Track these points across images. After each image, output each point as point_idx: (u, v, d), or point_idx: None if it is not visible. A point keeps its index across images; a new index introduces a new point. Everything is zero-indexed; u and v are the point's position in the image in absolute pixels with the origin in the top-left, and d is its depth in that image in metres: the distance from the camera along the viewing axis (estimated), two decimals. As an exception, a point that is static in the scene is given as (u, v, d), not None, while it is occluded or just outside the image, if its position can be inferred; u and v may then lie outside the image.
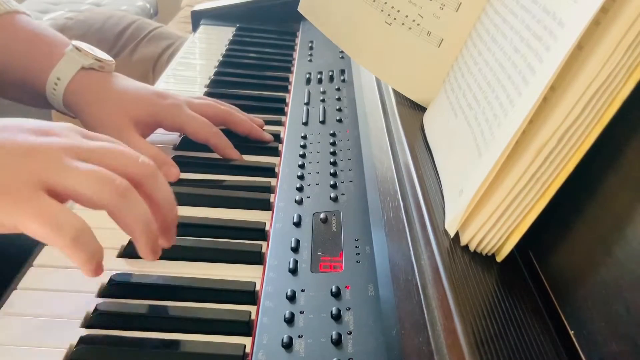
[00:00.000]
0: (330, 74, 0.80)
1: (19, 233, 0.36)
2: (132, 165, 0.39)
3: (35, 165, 0.36)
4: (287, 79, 0.84)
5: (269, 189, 0.57)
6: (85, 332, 0.39)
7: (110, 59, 0.61)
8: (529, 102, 0.33)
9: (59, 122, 0.41)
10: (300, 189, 0.55)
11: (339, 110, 0.70)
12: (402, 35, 0.58)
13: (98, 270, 0.37)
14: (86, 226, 0.36)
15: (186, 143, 0.64)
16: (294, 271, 0.45)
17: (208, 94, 0.77)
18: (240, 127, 0.64)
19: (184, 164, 0.60)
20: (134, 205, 0.37)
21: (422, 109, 0.57)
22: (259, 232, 0.51)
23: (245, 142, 0.64)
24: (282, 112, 0.74)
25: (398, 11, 0.58)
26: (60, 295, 0.42)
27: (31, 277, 0.44)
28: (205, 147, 0.63)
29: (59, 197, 0.36)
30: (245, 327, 0.41)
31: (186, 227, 0.50)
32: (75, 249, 0.35)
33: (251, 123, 0.65)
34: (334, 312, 0.40)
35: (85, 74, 0.59)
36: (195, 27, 1.06)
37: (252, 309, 0.42)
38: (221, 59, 0.89)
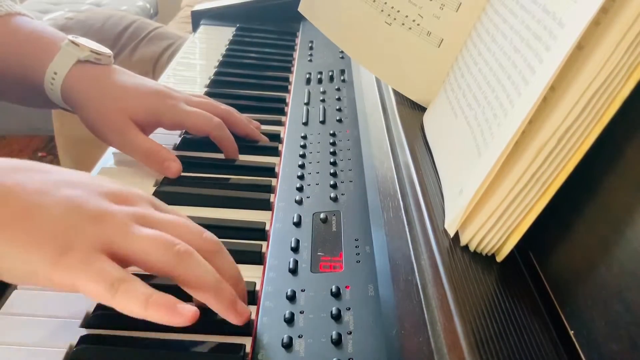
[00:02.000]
0: (330, 74, 0.80)
1: None
2: (196, 239, 0.39)
3: (102, 230, 0.36)
4: (287, 79, 0.84)
5: (269, 189, 0.57)
6: (85, 332, 0.39)
7: (108, 51, 0.60)
8: (529, 102, 0.33)
9: (134, 190, 0.41)
10: (300, 189, 0.55)
11: (339, 110, 0.70)
12: (402, 36, 0.58)
13: (169, 311, 0.35)
14: (147, 288, 0.36)
15: (186, 143, 0.64)
16: (294, 271, 0.45)
17: (208, 94, 0.77)
18: (239, 127, 0.64)
19: (184, 164, 0.60)
20: (196, 265, 0.37)
21: (422, 109, 0.57)
22: (259, 232, 0.51)
23: (245, 142, 0.64)
24: (282, 112, 0.74)
25: (398, 11, 0.58)
26: (61, 295, 0.42)
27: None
28: (205, 147, 0.63)
29: (122, 262, 0.36)
30: (245, 327, 0.40)
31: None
32: (143, 312, 0.35)
33: (249, 124, 0.65)
34: (334, 312, 0.40)
35: (82, 67, 0.58)
36: (195, 27, 1.06)
37: (252, 308, 0.42)
38: (221, 59, 0.89)
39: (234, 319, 0.38)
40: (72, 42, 0.58)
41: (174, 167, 0.57)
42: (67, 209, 0.36)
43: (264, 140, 0.65)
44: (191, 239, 0.38)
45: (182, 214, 0.42)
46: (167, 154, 0.57)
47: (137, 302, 0.35)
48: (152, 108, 0.58)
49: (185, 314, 0.35)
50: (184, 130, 0.66)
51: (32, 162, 0.39)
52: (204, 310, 0.40)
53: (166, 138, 0.65)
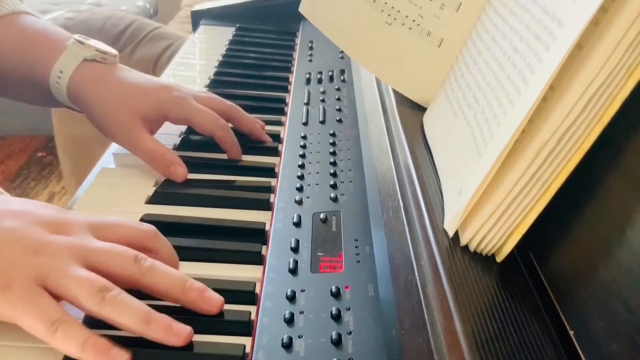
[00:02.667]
0: (330, 74, 0.80)
1: None
2: (130, 266, 0.39)
3: (39, 264, 0.37)
4: (287, 79, 0.84)
5: (269, 189, 0.57)
6: (85, 332, 0.39)
7: (114, 51, 0.60)
8: (528, 102, 0.33)
9: (74, 217, 0.42)
10: (300, 189, 0.55)
11: (339, 110, 0.70)
12: (402, 36, 0.58)
13: (104, 356, 0.36)
14: (85, 330, 0.37)
15: (186, 143, 0.64)
16: (294, 271, 0.45)
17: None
18: (244, 124, 0.64)
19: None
20: (120, 310, 0.37)
21: (422, 109, 0.57)
22: (259, 232, 0.51)
23: (245, 142, 0.64)
24: (282, 112, 0.74)
25: (398, 11, 0.58)
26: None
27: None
28: (205, 148, 0.63)
29: (54, 297, 0.38)
30: (245, 327, 0.40)
31: (186, 227, 0.51)
32: (80, 354, 0.36)
33: (254, 122, 0.65)
34: (333, 312, 0.40)
35: (88, 66, 0.58)
36: (195, 27, 1.06)
37: (252, 309, 0.42)
38: (221, 59, 0.89)
39: (171, 343, 0.38)
40: (79, 41, 0.58)
41: (180, 172, 0.56)
42: (6, 242, 0.38)
43: (268, 141, 0.65)
44: (125, 267, 0.39)
45: (123, 226, 0.43)
46: (174, 158, 0.57)
47: (75, 345, 0.36)
48: (159, 102, 0.58)
49: (117, 359, 0.36)
50: (184, 131, 0.66)
51: None
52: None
53: (166, 138, 0.65)
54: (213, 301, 0.40)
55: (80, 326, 0.37)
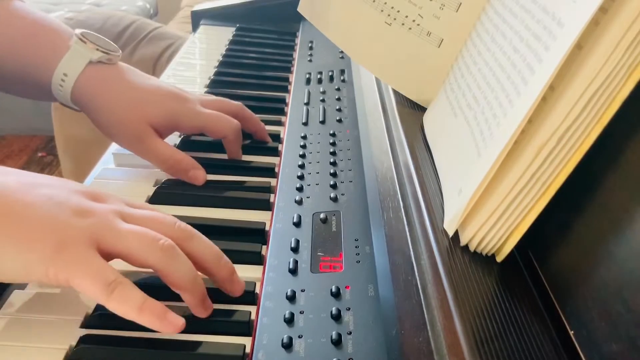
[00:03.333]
0: (330, 74, 0.80)
1: None
2: (172, 230, 0.40)
3: (89, 225, 0.37)
4: (287, 79, 0.84)
5: (269, 189, 0.57)
6: (85, 332, 0.39)
7: (116, 48, 0.58)
8: (528, 102, 0.33)
9: (104, 191, 0.42)
10: (300, 189, 0.55)
11: (339, 110, 0.70)
12: (402, 36, 0.58)
13: (160, 320, 0.37)
14: (141, 293, 0.37)
15: (186, 144, 0.64)
16: (294, 271, 0.45)
17: (208, 94, 0.77)
18: (251, 123, 0.64)
19: (184, 164, 0.60)
20: (179, 263, 0.39)
21: (422, 109, 0.57)
22: (259, 232, 0.51)
23: (245, 142, 0.64)
24: (282, 112, 0.74)
25: (398, 11, 0.58)
26: (60, 295, 0.42)
27: (31, 278, 0.44)
28: (205, 148, 0.63)
29: (108, 256, 0.38)
30: (245, 327, 0.41)
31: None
32: (137, 316, 0.37)
33: (260, 121, 0.65)
34: (334, 312, 0.40)
35: (94, 69, 0.55)
36: (195, 27, 1.06)
37: (252, 309, 0.42)
38: (221, 59, 0.89)
39: (200, 314, 0.40)
40: (81, 39, 0.55)
41: (201, 176, 0.56)
42: (51, 206, 0.37)
43: (269, 141, 0.66)
44: (167, 231, 0.40)
45: (153, 208, 0.44)
46: (192, 163, 0.56)
47: (132, 307, 0.36)
48: (170, 112, 0.57)
49: (174, 323, 0.37)
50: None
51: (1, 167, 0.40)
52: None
53: (167, 138, 0.65)
54: (238, 285, 0.42)
55: (137, 289, 0.37)
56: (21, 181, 0.38)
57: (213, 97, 0.63)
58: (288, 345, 0.38)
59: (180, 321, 0.37)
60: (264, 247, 0.49)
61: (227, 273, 0.42)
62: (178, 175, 0.56)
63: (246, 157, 0.62)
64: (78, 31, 0.56)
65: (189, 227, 0.42)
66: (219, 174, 0.59)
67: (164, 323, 0.37)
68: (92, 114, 0.56)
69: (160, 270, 0.38)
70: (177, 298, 0.40)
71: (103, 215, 0.38)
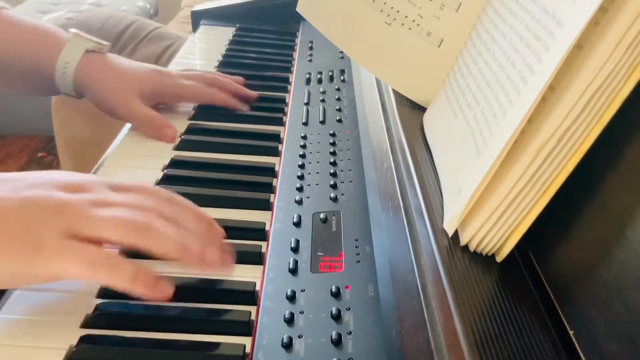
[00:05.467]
0: (330, 74, 0.80)
1: None
2: (153, 206, 0.42)
3: (64, 220, 0.39)
4: (287, 79, 0.83)
5: (269, 189, 0.57)
6: (85, 332, 0.39)
7: (107, 42, 0.68)
8: (528, 102, 0.33)
9: (88, 176, 0.44)
10: (300, 189, 0.55)
11: (339, 110, 0.70)
12: (402, 36, 0.58)
13: (153, 289, 0.39)
14: (133, 264, 0.39)
15: (186, 143, 0.64)
16: (294, 271, 0.45)
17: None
18: (226, 88, 0.72)
19: (184, 164, 0.60)
20: (157, 234, 0.40)
21: (422, 109, 0.57)
22: (259, 232, 0.51)
23: (245, 142, 0.64)
24: (282, 112, 0.74)
25: (398, 11, 0.58)
26: (60, 295, 0.42)
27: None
28: (205, 147, 0.63)
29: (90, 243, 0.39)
30: (245, 327, 0.41)
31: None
32: (130, 286, 0.39)
33: (234, 83, 0.74)
34: (334, 312, 0.40)
35: (90, 56, 0.65)
36: (195, 27, 1.06)
37: (252, 309, 0.42)
38: (221, 59, 0.89)
39: (208, 270, 0.42)
40: (77, 34, 0.66)
41: (170, 133, 0.65)
42: (28, 209, 0.39)
43: (253, 95, 0.74)
44: (148, 207, 0.41)
45: (141, 184, 0.45)
46: (165, 121, 0.65)
47: (125, 277, 0.38)
48: (157, 83, 0.68)
49: (166, 289, 0.39)
50: (183, 131, 0.66)
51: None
52: (204, 311, 0.41)
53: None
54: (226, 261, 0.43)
55: (127, 260, 0.39)
56: (3, 188, 0.39)
57: (190, 72, 0.73)
58: (288, 345, 0.38)
59: (172, 289, 0.39)
60: (264, 246, 0.48)
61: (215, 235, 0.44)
62: (152, 133, 0.65)
63: (246, 157, 0.63)
64: (72, 30, 0.67)
65: (172, 196, 0.44)
66: (219, 173, 0.59)
67: (156, 291, 0.39)
68: (91, 93, 0.66)
69: (140, 247, 0.40)
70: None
71: (77, 208, 0.39)
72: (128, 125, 0.68)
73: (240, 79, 0.77)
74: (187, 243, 0.40)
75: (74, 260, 0.38)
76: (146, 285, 0.39)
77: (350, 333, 0.39)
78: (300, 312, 0.41)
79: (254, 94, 0.74)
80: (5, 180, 0.41)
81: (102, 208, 0.40)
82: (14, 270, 0.38)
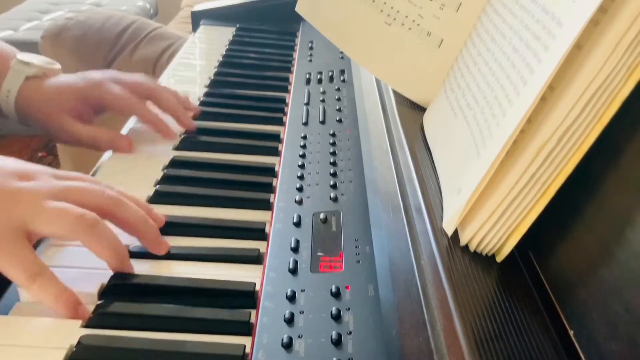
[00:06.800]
0: (330, 74, 0.80)
1: None
2: (98, 198, 0.44)
3: (17, 210, 0.41)
4: (287, 79, 0.84)
5: (269, 189, 0.57)
6: (85, 332, 0.39)
7: (56, 66, 0.65)
8: (527, 101, 0.33)
9: (34, 165, 0.46)
10: (300, 189, 0.55)
11: (339, 110, 0.70)
12: (402, 36, 0.58)
13: (72, 311, 0.41)
14: (60, 284, 0.41)
15: (187, 144, 0.64)
16: (294, 271, 0.45)
17: (208, 94, 0.77)
18: (162, 104, 0.66)
19: (184, 164, 0.60)
20: (102, 235, 0.42)
21: (422, 109, 0.57)
22: (259, 232, 0.51)
23: (245, 142, 0.64)
24: (282, 112, 0.74)
25: (398, 11, 0.58)
26: (60, 295, 0.42)
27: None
28: (205, 147, 0.63)
29: (39, 237, 0.43)
30: (245, 327, 0.40)
31: (186, 227, 0.51)
32: (54, 305, 0.40)
33: (176, 102, 0.67)
34: (334, 312, 0.40)
35: (31, 83, 0.63)
36: (195, 27, 1.06)
37: (252, 309, 0.42)
38: (221, 59, 0.89)
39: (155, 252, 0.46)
40: (20, 60, 0.63)
41: (124, 144, 0.62)
42: None
43: (189, 126, 0.66)
44: (94, 199, 0.44)
45: (83, 176, 0.47)
46: (113, 133, 0.62)
47: (50, 296, 0.40)
48: (77, 92, 0.63)
49: (82, 315, 0.40)
50: (184, 130, 0.66)
51: None
52: (204, 311, 0.41)
53: (166, 139, 0.65)
54: (162, 245, 0.47)
55: (56, 280, 0.41)
56: None
57: (130, 76, 0.66)
58: (288, 345, 0.38)
59: (88, 313, 0.41)
60: (264, 247, 0.48)
61: (152, 235, 0.46)
62: (104, 149, 0.63)
63: (246, 157, 0.63)
64: (19, 55, 0.64)
65: (117, 195, 0.45)
66: (219, 173, 0.59)
67: (74, 313, 0.40)
68: (32, 120, 0.64)
69: (85, 245, 0.42)
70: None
71: (29, 198, 0.41)
72: (128, 126, 0.68)
73: (187, 99, 0.70)
74: (121, 253, 0.43)
75: (15, 267, 0.39)
76: (67, 305, 0.40)
77: (350, 333, 0.39)
78: (300, 312, 0.41)
79: (192, 124, 0.67)
80: None
81: (51, 201, 0.41)
82: None
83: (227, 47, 0.94)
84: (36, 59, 0.65)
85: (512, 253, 0.36)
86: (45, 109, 0.63)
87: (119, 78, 0.65)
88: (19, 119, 0.65)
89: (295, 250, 0.47)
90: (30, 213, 0.41)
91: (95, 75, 0.65)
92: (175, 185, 0.56)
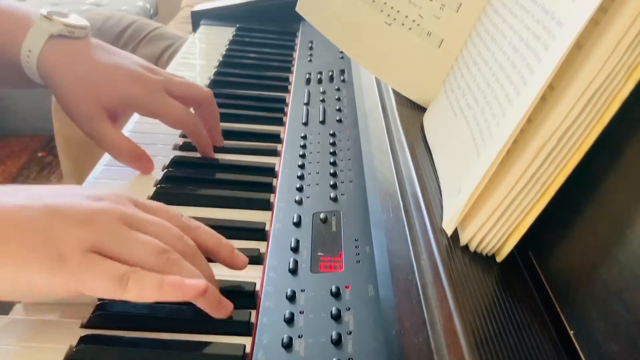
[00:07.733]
0: (330, 74, 0.80)
1: None
2: (177, 243, 0.40)
3: (90, 232, 0.37)
4: (287, 79, 0.84)
5: (269, 189, 0.57)
6: (85, 332, 0.39)
7: (85, 23, 0.57)
8: (527, 101, 0.33)
9: (113, 191, 0.42)
10: (300, 189, 0.55)
11: (339, 110, 0.70)
12: (402, 36, 0.58)
13: (196, 289, 0.37)
14: (155, 273, 0.37)
15: (186, 143, 0.64)
16: (294, 271, 0.45)
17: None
18: (209, 121, 0.61)
19: (184, 164, 0.60)
20: (183, 271, 0.38)
21: (422, 109, 0.57)
22: (259, 232, 0.51)
23: (245, 142, 0.64)
24: (282, 112, 0.74)
25: (398, 11, 0.58)
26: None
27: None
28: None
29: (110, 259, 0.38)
30: (245, 327, 0.41)
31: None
32: (158, 294, 0.37)
33: (217, 120, 0.62)
34: (334, 312, 0.40)
35: (56, 43, 0.55)
36: (195, 27, 1.06)
37: (252, 309, 0.42)
38: (221, 59, 0.89)
39: (219, 315, 0.39)
40: (45, 16, 0.55)
41: (148, 167, 0.57)
42: (50, 217, 0.37)
43: (210, 154, 0.62)
44: (173, 243, 0.40)
45: (165, 207, 0.43)
46: (143, 154, 0.57)
47: (152, 288, 0.36)
48: (125, 94, 0.55)
49: (196, 287, 0.37)
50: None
51: (15, 185, 0.40)
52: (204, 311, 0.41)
53: (166, 138, 0.65)
54: (240, 260, 0.43)
55: (148, 272, 0.37)
56: (27, 196, 0.38)
57: (181, 80, 0.60)
58: (288, 345, 0.38)
59: (202, 283, 0.37)
60: (264, 247, 0.49)
61: (228, 253, 0.43)
62: (124, 163, 0.57)
63: (246, 157, 0.63)
64: (44, 10, 0.55)
65: (193, 244, 0.41)
66: (219, 173, 0.59)
67: (186, 291, 0.37)
68: (53, 90, 0.56)
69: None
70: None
71: (105, 220, 0.38)
72: (127, 126, 0.68)
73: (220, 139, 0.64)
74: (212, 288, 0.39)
75: (101, 276, 0.36)
76: (174, 286, 0.37)
77: (350, 333, 0.39)
78: (300, 312, 0.41)
79: (221, 140, 0.63)
80: (28, 189, 0.39)
81: (131, 229, 0.38)
82: (31, 278, 0.35)
83: (227, 47, 0.94)
84: (66, 15, 0.56)
85: (512, 253, 0.36)
86: (77, 90, 0.54)
87: (169, 83, 0.58)
88: (43, 83, 0.57)
89: (295, 250, 0.47)
90: (104, 235, 0.37)
91: (147, 76, 0.57)
92: (175, 185, 0.56)
